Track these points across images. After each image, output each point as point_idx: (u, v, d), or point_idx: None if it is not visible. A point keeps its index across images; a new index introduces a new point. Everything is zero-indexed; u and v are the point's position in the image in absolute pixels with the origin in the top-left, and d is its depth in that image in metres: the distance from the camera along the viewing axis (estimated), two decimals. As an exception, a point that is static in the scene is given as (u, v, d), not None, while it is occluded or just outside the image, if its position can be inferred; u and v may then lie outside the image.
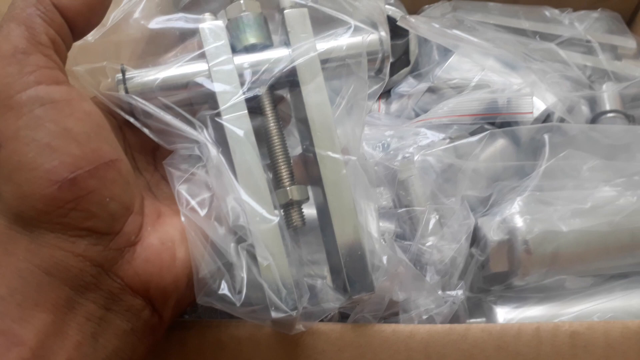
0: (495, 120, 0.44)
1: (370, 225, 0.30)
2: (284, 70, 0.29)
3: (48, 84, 0.24)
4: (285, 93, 0.32)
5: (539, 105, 0.45)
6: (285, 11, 0.29)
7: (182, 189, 0.28)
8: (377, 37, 0.30)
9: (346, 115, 0.30)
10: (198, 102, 0.29)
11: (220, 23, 0.29)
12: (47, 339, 0.23)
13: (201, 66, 0.29)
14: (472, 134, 0.42)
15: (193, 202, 0.27)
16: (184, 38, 0.30)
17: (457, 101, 0.43)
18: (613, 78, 0.50)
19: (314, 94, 0.29)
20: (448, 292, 0.37)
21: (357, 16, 0.30)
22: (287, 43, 0.29)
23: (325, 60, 0.29)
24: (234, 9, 0.29)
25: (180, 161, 0.29)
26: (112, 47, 0.29)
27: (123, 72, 0.28)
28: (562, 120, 0.45)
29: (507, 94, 0.43)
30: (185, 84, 0.28)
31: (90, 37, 0.28)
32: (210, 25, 0.29)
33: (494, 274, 0.40)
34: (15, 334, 0.22)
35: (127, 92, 0.28)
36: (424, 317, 0.35)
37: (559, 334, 0.31)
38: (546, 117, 0.45)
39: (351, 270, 0.28)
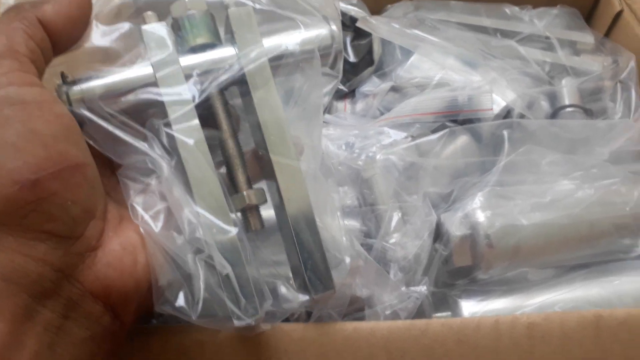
0: (457, 117, 0.45)
1: (330, 225, 0.31)
2: (234, 75, 0.28)
3: (19, 85, 0.24)
4: (236, 92, 0.31)
5: (499, 102, 0.45)
6: (230, 10, 0.28)
7: (136, 203, 0.28)
8: (328, 31, 0.30)
9: (302, 114, 0.30)
10: (147, 108, 0.28)
11: (162, 26, 0.28)
12: (5, 350, 0.22)
13: (147, 70, 0.28)
14: (434, 131, 0.43)
15: (147, 216, 0.27)
16: (134, 44, 0.29)
17: (418, 100, 0.44)
18: (572, 73, 0.51)
19: (266, 99, 0.28)
20: (412, 288, 0.38)
21: (308, 11, 0.30)
22: (234, 41, 0.29)
23: (275, 58, 0.29)
24: (178, 7, 0.29)
25: (134, 171, 0.28)
26: (63, 61, 0.28)
27: (63, 78, 0.28)
28: (522, 116, 0.46)
29: (467, 91, 0.44)
30: (131, 91, 0.28)
31: None
32: (153, 29, 0.28)
33: (458, 268, 0.41)
34: None
35: (68, 99, 0.27)
36: (388, 312, 0.35)
37: (516, 325, 0.32)
38: (507, 113, 0.46)
39: (312, 271, 0.29)
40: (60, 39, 0.27)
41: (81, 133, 0.26)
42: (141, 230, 0.27)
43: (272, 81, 0.28)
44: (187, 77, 0.28)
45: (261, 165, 0.31)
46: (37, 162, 0.23)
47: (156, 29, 0.28)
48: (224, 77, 0.28)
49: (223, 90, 0.29)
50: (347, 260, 0.30)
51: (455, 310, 0.41)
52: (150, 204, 0.28)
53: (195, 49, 0.28)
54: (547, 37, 0.53)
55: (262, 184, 0.31)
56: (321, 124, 0.31)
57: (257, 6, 0.29)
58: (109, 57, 0.29)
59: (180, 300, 0.27)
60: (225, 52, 0.29)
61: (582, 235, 0.41)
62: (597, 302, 0.40)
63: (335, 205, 0.32)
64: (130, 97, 0.28)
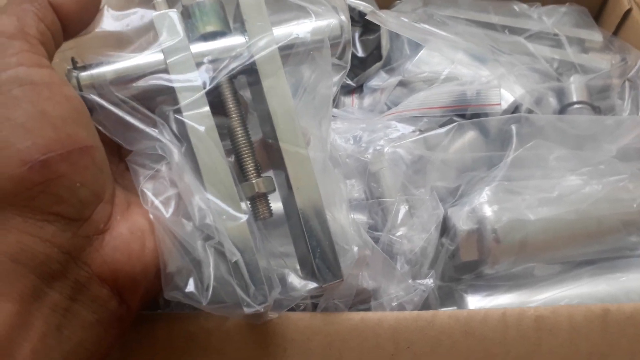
0: (465, 112, 0.45)
1: (338, 215, 0.31)
2: (244, 64, 0.28)
3: (29, 66, 0.24)
4: (244, 81, 0.31)
5: (507, 97, 0.45)
6: None
7: (146, 188, 0.28)
8: (337, 22, 0.30)
9: (311, 104, 0.30)
10: (157, 95, 0.28)
11: (174, 12, 0.28)
12: (12, 330, 0.22)
13: (158, 57, 0.28)
14: (442, 126, 0.43)
15: (157, 202, 0.27)
16: (145, 30, 0.29)
17: (426, 94, 0.44)
18: (580, 70, 0.51)
19: (275, 87, 0.28)
20: (418, 281, 0.38)
21: (317, 1, 0.30)
22: (244, 30, 0.29)
23: (285, 47, 0.29)
24: None
25: (143, 157, 0.28)
26: (74, 45, 0.29)
27: (74, 63, 0.27)
28: (530, 111, 0.46)
29: (475, 86, 0.44)
30: (141, 77, 0.28)
31: None
32: (164, 15, 0.28)
33: (464, 262, 0.41)
34: None
35: (79, 84, 0.27)
36: (394, 304, 0.35)
37: (524, 318, 0.32)
38: (514, 109, 0.46)
39: (320, 259, 0.29)
40: (70, 22, 0.27)
41: (90, 117, 0.26)
42: (150, 216, 0.27)
43: (281, 70, 0.28)
44: (198, 64, 0.28)
45: (270, 154, 0.31)
46: (46, 143, 0.23)
47: (167, 16, 0.28)
48: (234, 65, 0.28)
49: (233, 78, 0.29)
50: (355, 249, 0.30)
51: (461, 305, 0.41)
52: (161, 190, 0.28)
53: (206, 37, 0.28)
54: (556, 35, 0.53)
55: (271, 174, 0.31)
56: (330, 114, 0.31)
57: None
58: (119, 43, 0.29)
59: (190, 287, 0.27)
60: (235, 40, 0.29)
61: (589, 231, 0.41)
62: (604, 298, 0.40)
63: (343, 195, 0.32)
64: (141, 83, 0.28)
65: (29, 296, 0.23)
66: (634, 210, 0.42)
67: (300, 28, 0.29)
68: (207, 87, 0.28)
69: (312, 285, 0.29)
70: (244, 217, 0.27)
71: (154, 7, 0.28)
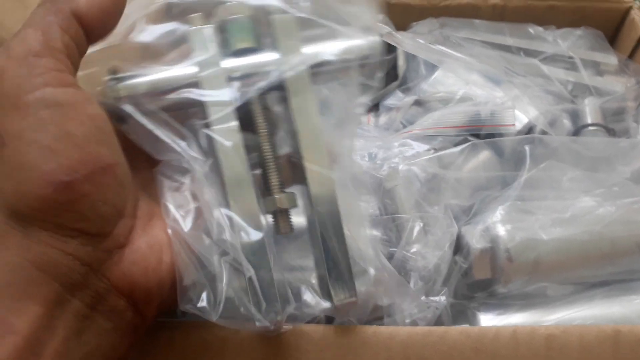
0: (479, 132, 0.45)
1: (357, 235, 0.31)
2: (273, 81, 0.29)
3: (55, 86, 0.25)
4: (275, 98, 0.32)
5: (521, 118, 0.46)
6: (273, 17, 0.29)
7: (169, 201, 0.28)
8: (369, 42, 0.30)
9: (338, 122, 0.31)
10: (188, 107, 0.29)
11: (209, 28, 0.29)
12: (38, 330, 0.24)
13: (190, 70, 0.28)
14: (456, 145, 0.44)
15: (177, 216, 0.28)
16: (179, 43, 0.30)
17: (441, 114, 0.44)
18: (594, 93, 0.51)
19: (303, 107, 0.29)
20: (431, 298, 0.38)
21: (349, 21, 0.30)
22: (275, 47, 0.29)
23: (315, 66, 0.29)
24: (223, 11, 0.29)
25: (170, 169, 0.29)
26: (110, 55, 0.29)
27: (112, 73, 0.28)
28: (544, 132, 0.46)
29: (490, 106, 0.44)
30: (173, 90, 0.28)
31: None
32: (199, 31, 0.29)
33: (477, 281, 0.41)
34: (9, 323, 0.23)
35: (116, 94, 0.28)
36: (407, 321, 0.35)
37: (535, 336, 0.32)
38: (528, 130, 0.46)
39: (336, 278, 0.29)
40: (93, 30, 0.27)
41: (113, 132, 0.27)
42: (169, 230, 0.28)
43: (310, 89, 0.29)
44: (229, 79, 0.28)
45: (294, 171, 0.31)
46: (71, 165, 0.24)
47: (202, 31, 0.29)
48: (263, 83, 0.29)
49: (263, 94, 0.29)
50: (372, 271, 0.31)
51: (473, 323, 0.41)
52: (182, 203, 0.28)
53: (238, 53, 0.29)
54: (571, 57, 0.54)
55: (296, 189, 0.31)
56: (355, 134, 0.32)
57: (300, 14, 0.30)
58: (154, 54, 0.30)
59: (203, 301, 0.27)
60: (266, 57, 0.29)
61: (603, 253, 0.41)
62: (617, 320, 0.40)
63: (363, 216, 0.33)
64: (173, 96, 0.28)
65: (53, 301, 0.24)
66: (649, 232, 0.42)
67: (331, 47, 0.30)
68: (237, 103, 0.28)
69: (326, 304, 0.30)
70: (261, 234, 0.28)
71: (189, 22, 0.29)
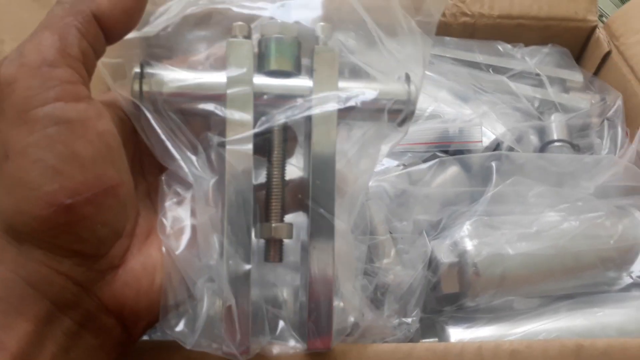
0: (448, 148, 0.46)
1: (346, 286, 0.31)
2: (300, 115, 0.28)
3: (67, 100, 0.24)
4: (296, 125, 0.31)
5: (489, 135, 0.47)
6: (317, 47, 0.28)
7: (166, 218, 0.28)
8: (405, 90, 0.29)
9: (355, 163, 0.30)
10: (208, 115, 0.28)
11: (248, 44, 0.28)
12: (27, 347, 0.23)
13: (220, 81, 0.27)
14: (425, 161, 0.45)
15: (172, 234, 0.27)
16: (212, 39, 0.29)
17: (410, 130, 0.45)
18: (560, 109, 0.53)
19: (323, 149, 0.28)
20: (404, 319, 0.39)
21: (393, 66, 0.30)
22: (311, 76, 0.28)
23: (346, 109, 0.29)
24: (270, 27, 0.28)
25: (176, 180, 0.28)
26: (136, 47, 0.28)
27: (142, 66, 0.27)
28: (511, 148, 0.47)
29: (458, 123, 0.45)
30: (200, 97, 0.27)
31: None
32: (239, 44, 0.28)
33: (446, 295, 0.42)
34: None
35: (141, 90, 0.27)
36: (380, 343, 0.36)
37: (499, 352, 0.33)
38: (496, 146, 0.48)
39: (314, 323, 0.29)
40: (113, 32, 0.26)
41: (121, 148, 0.26)
42: (163, 248, 0.28)
43: (334, 132, 0.28)
44: (257, 95, 0.28)
45: (300, 201, 0.31)
46: (74, 187, 0.23)
47: (241, 45, 0.28)
48: (290, 113, 0.28)
49: (285, 125, 0.29)
50: (351, 319, 0.31)
51: (442, 337, 0.42)
52: (179, 220, 0.28)
53: (273, 73, 0.28)
54: (538, 74, 0.55)
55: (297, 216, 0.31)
56: (369, 179, 0.31)
57: (344, 55, 0.29)
58: (185, 55, 0.29)
59: (180, 326, 0.27)
60: (300, 83, 0.28)
61: (567, 267, 0.42)
62: (581, 332, 0.41)
63: (357, 267, 0.32)
64: (196, 104, 0.28)
65: (43, 319, 0.24)
66: (611, 246, 0.43)
67: (366, 89, 0.29)
68: (257, 129, 0.27)
69: (298, 346, 0.30)
70: (248, 267, 0.27)
71: (232, 30, 0.28)
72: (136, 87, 0.27)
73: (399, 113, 0.30)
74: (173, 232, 0.27)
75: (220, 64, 0.29)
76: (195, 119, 0.29)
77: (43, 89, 0.23)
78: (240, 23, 0.28)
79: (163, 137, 0.27)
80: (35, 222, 0.23)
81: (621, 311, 0.42)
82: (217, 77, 0.28)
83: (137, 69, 0.27)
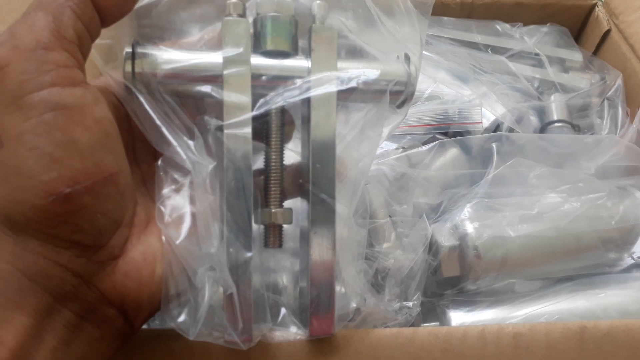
0: (448, 130, 0.46)
1: (348, 270, 0.30)
2: (299, 97, 0.27)
3: (63, 85, 0.23)
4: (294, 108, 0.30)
5: (488, 116, 0.46)
6: (314, 26, 0.27)
7: (164, 206, 0.27)
8: (405, 72, 0.29)
9: (355, 146, 0.29)
10: (204, 97, 0.27)
11: (244, 23, 0.27)
12: (26, 341, 0.23)
13: (216, 61, 0.26)
14: (425, 143, 0.44)
15: (171, 222, 0.27)
16: (205, 19, 0.29)
17: (409, 112, 0.44)
18: (560, 89, 0.52)
19: (322, 131, 0.27)
20: (405, 303, 0.38)
21: (391, 46, 0.29)
22: (309, 55, 0.28)
23: (345, 90, 0.28)
24: (265, 5, 0.27)
25: (173, 166, 0.27)
26: (126, 22, 0.27)
27: (134, 46, 0.26)
28: (511, 130, 0.47)
29: (457, 105, 0.45)
30: (194, 79, 0.26)
31: None
32: (235, 23, 0.26)
33: (446, 278, 0.41)
34: None
35: (133, 71, 0.26)
36: (381, 327, 0.35)
37: (502, 335, 0.32)
38: (496, 127, 0.47)
39: (315, 310, 0.28)
40: (109, 15, 0.25)
41: (119, 135, 0.25)
42: (163, 237, 0.27)
43: (334, 113, 0.27)
44: (254, 76, 0.27)
45: (299, 186, 0.30)
46: (72, 175, 0.23)
47: (237, 24, 0.27)
48: (289, 95, 0.27)
49: (283, 107, 0.28)
50: (353, 305, 0.30)
51: (443, 320, 0.41)
52: (178, 207, 0.27)
53: (269, 53, 0.27)
54: (537, 54, 0.54)
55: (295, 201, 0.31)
56: (371, 161, 0.30)
57: (343, 34, 0.28)
58: (179, 35, 0.28)
59: (182, 317, 0.27)
60: (297, 64, 0.28)
61: (569, 248, 0.42)
62: (583, 314, 0.41)
63: (358, 252, 0.32)
64: (192, 87, 0.27)
65: (42, 312, 0.24)
66: (612, 227, 0.43)
67: (366, 70, 0.28)
68: (255, 112, 0.27)
69: (300, 333, 0.29)
70: (249, 254, 0.27)
71: (228, 8, 0.27)
72: (128, 68, 0.26)
73: (400, 94, 0.29)
74: (172, 221, 0.27)
75: (212, 46, 0.28)
76: (190, 102, 0.28)
77: (38, 73, 0.22)
78: (234, 1, 0.27)
79: (158, 121, 0.26)
80: (33, 212, 0.22)
81: (623, 292, 0.42)
82: (213, 58, 0.27)
83: (129, 49, 0.26)
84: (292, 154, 0.31)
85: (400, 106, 0.30)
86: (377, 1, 0.30)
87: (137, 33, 0.27)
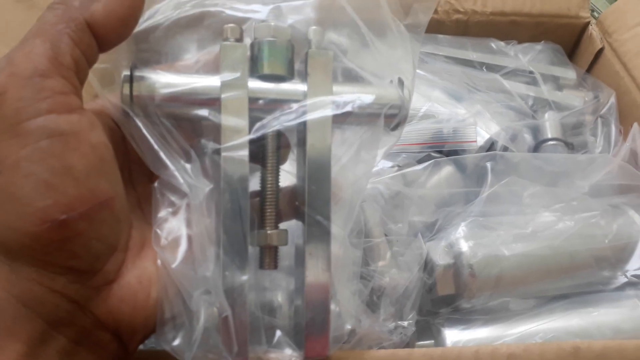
0: (442, 148, 0.46)
1: (343, 292, 0.31)
2: (295, 121, 0.27)
3: (59, 112, 0.23)
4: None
5: (483, 134, 0.47)
6: (310, 50, 0.28)
7: (160, 229, 0.27)
8: (399, 96, 0.29)
9: (350, 168, 0.29)
10: (201, 120, 0.27)
11: (242, 48, 0.27)
12: None
13: (214, 85, 0.27)
14: (420, 162, 0.44)
15: (167, 246, 0.27)
16: (202, 43, 0.29)
17: (405, 131, 0.44)
18: (554, 107, 0.53)
19: (318, 155, 0.28)
20: (400, 322, 0.39)
21: (385, 70, 0.29)
22: (305, 80, 0.28)
23: (341, 115, 0.28)
24: (262, 30, 0.28)
25: (169, 189, 0.27)
26: (124, 46, 0.27)
27: (132, 69, 0.26)
28: (505, 148, 0.47)
29: (452, 123, 0.45)
30: (192, 102, 0.27)
31: None
32: (233, 48, 0.27)
33: (442, 296, 0.42)
34: None
35: (131, 94, 0.26)
36: (376, 348, 0.36)
37: (496, 356, 0.32)
38: (490, 145, 0.47)
39: (310, 332, 0.28)
40: (107, 41, 0.25)
41: (114, 160, 0.25)
42: (158, 261, 0.27)
43: (329, 137, 0.28)
44: (251, 100, 0.27)
45: (295, 208, 0.30)
46: (68, 202, 0.23)
47: (235, 49, 0.27)
48: (284, 118, 0.27)
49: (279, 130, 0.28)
50: (348, 327, 0.30)
51: (438, 339, 0.42)
52: (174, 230, 0.27)
53: (266, 77, 0.28)
54: (531, 72, 0.55)
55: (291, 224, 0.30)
56: (366, 184, 0.30)
57: (338, 59, 0.29)
58: (176, 59, 0.28)
59: (177, 341, 0.27)
60: (293, 88, 0.28)
61: (563, 267, 0.42)
62: (577, 332, 0.41)
63: (353, 272, 0.32)
64: (189, 110, 0.27)
65: (36, 339, 0.23)
66: (606, 245, 0.43)
67: (361, 94, 0.28)
68: (253, 135, 0.27)
69: (295, 355, 0.29)
70: (245, 277, 0.27)
71: (225, 32, 0.27)
72: (126, 90, 0.26)
73: (394, 117, 0.29)
74: (168, 244, 0.27)
75: (209, 70, 0.28)
76: (186, 125, 0.28)
77: (35, 100, 0.22)
78: (232, 25, 0.27)
79: (155, 145, 0.26)
80: (28, 238, 0.22)
81: (616, 310, 0.42)
82: (211, 81, 0.27)
83: (127, 72, 0.26)
84: (286, 176, 0.31)
85: (394, 129, 0.30)
86: (371, 24, 0.30)
87: (135, 57, 0.28)
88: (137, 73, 0.27)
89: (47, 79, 0.23)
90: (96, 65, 0.26)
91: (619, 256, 0.44)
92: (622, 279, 0.44)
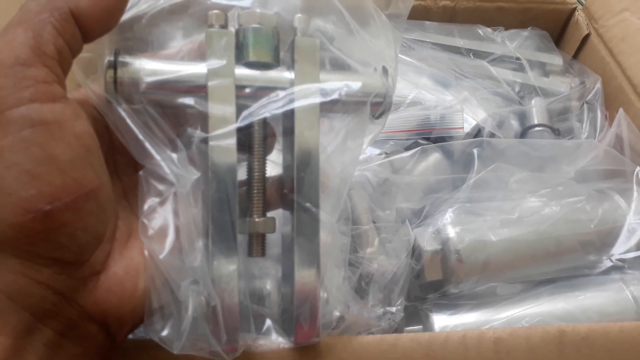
0: (430, 135, 0.46)
1: (332, 278, 0.31)
2: (282, 108, 0.27)
3: (42, 101, 0.22)
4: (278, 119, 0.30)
5: (470, 121, 0.47)
6: (297, 38, 0.28)
7: (147, 219, 0.27)
8: (384, 84, 0.29)
9: (337, 156, 0.30)
10: (187, 108, 0.27)
11: (228, 35, 0.27)
12: None
13: (201, 72, 0.26)
14: (407, 149, 0.44)
15: (154, 236, 0.26)
16: (186, 31, 0.29)
17: (392, 118, 0.45)
18: (541, 93, 0.53)
19: (306, 141, 0.28)
20: (388, 308, 0.39)
21: (370, 58, 0.29)
22: (292, 67, 0.28)
23: (328, 102, 0.28)
24: (248, 17, 0.27)
25: (156, 178, 0.27)
26: (110, 41, 0.27)
27: (116, 55, 0.26)
28: (492, 134, 0.47)
29: (439, 110, 0.45)
30: (178, 90, 0.26)
31: None
32: (219, 34, 0.27)
33: (429, 282, 0.42)
34: None
35: (115, 80, 0.25)
36: (364, 334, 0.36)
37: (483, 340, 0.33)
38: (477, 132, 0.47)
39: (301, 319, 0.29)
40: (91, 32, 0.24)
41: (99, 149, 0.25)
42: (145, 252, 0.27)
43: (317, 125, 0.28)
44: (237, 88, 0.27)
45: (282, 196, 0.30)
46: (52, 192, 0.22)
47: (221, 36, 0.27)
48: (272, 106, 0.27)
49: (266, 118, 0.28)
50: (337, 313, 0.31)
51: (426, 324, 0.42)
52: (162, 220, 0.27)
53: (252, 64, 0.27)
54: (518, 58, 0.55)
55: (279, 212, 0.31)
56: (354, 170, 0.31)
57: (325, 46, 0.29)
58: (161, 47, 0.28)
59: (165, 331, 0.27)
60: (280, 75, 0.28)
61: (549, 251, 0.43)
62: (563, 316, 0.41)
63: (342, 261, 0.32)
64: (175, 98, 0.27)
65: (22, 331, 0.23)
66: (592, 230, 0.44)
67: (347, 83, 0.29)
68: (240, 124, 0.27)
69: (284, 341, 0.29)
70: (234, 266, 0.27)
71: (209, 19, 0.27)
72: (110, 77, 0.25)
73: (379, 106, 0.30)
74: (155, 234, 0.26)
75: (193, 58, 0.28)
76: (171, 113, 0.28)
77: (17, 89, 0.22)
78: (216, 11, 0.27)
79: (140, 135, 0.26)
80: (12, 230, 0.22)
81: (602, 294, 0.43)
82: (197, 69, 0.27)
83: (111, 58, 0.26)
84: (272, 165, 0.31)
85: (378, 117, 0.30)
86: (354, 13, 0.30)
87: (119, 46, 0.27)
88: (120, 59, 0.26)
89: (29, 67, 0.22)
90: (79, 55, 0.25)
91: (605, 240, 0.45)
92: (607, 263, 0.45)
